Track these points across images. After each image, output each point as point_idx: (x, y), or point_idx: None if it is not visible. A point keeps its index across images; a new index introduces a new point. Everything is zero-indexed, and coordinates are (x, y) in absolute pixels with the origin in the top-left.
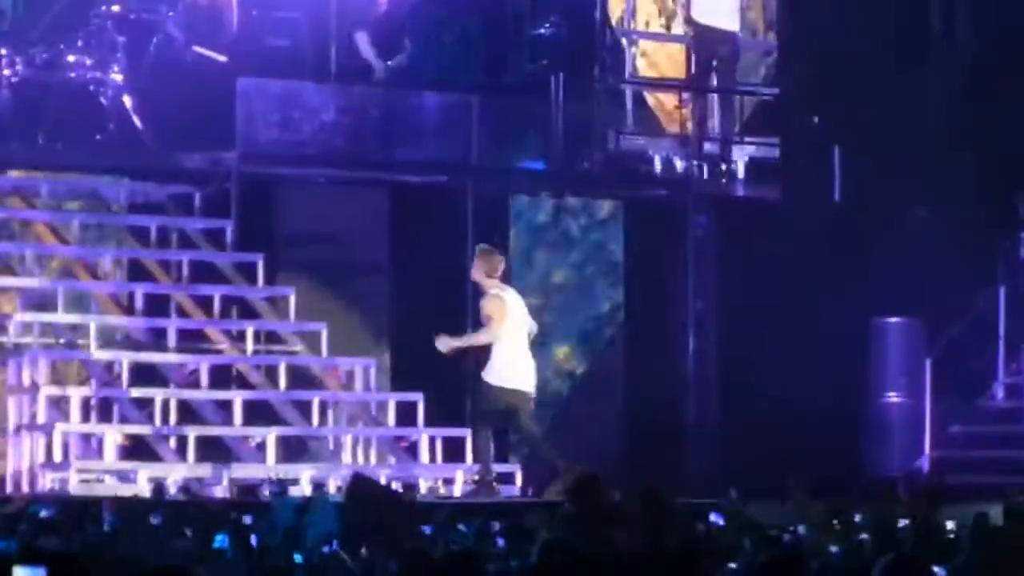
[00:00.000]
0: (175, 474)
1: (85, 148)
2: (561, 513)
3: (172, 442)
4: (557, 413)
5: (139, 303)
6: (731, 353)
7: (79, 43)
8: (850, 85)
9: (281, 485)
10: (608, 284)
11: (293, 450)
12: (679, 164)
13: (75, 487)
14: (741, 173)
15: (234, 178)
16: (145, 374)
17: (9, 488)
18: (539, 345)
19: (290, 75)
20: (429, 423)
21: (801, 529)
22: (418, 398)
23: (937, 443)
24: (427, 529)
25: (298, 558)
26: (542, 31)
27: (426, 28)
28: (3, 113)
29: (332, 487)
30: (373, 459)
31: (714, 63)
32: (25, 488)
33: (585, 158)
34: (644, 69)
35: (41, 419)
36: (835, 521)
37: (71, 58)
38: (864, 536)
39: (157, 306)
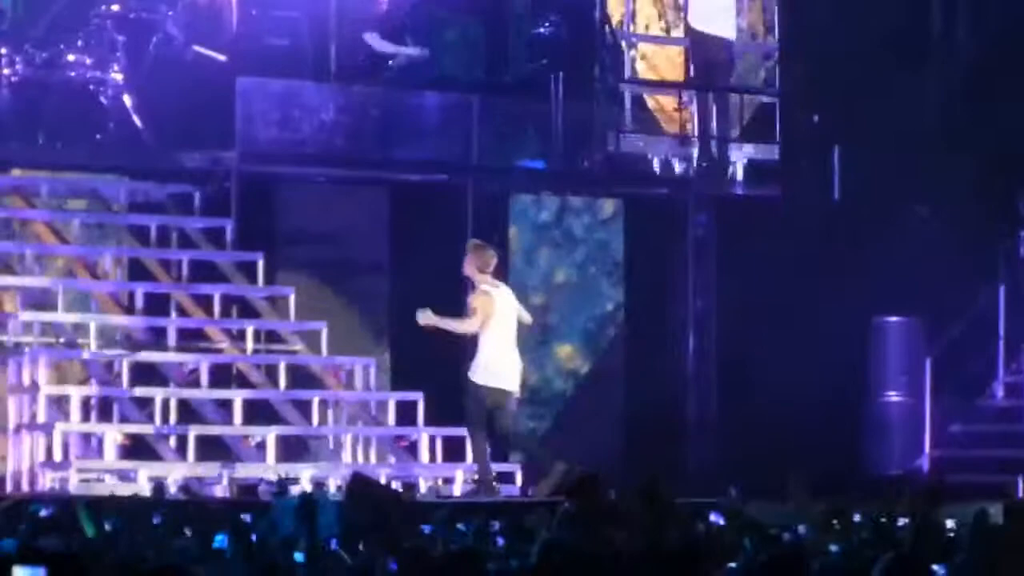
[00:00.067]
0: (175, 473)
1: (85, 147)
2: (561, 513)
3: (172, 441)
4: (560, 412)
5: (139, 302)
6: (731, 352)
7: (79, 43)
8: (850, 85)
9: (281, 485)
10: (611, 284)
11: (293, 449)
12: (678, 166)
13: (75, 487)
14: (740, 175)
15: (234, 177)
16: (145, 373)
17: (9, 488)
18: (541, 344)
19: (290, 74)
20: (429, 422)
21: (801, 529)
22: (418, 397)
23: (937, 442)
24: (427, 528)
25: (298, 558)
26: (542, 31)
27: (426, 27)
28: (3, 113)
29: (332, 486)
30: (373, 458)
31: (712, 68)
32: (25, 487)
33: (585, 158)
34: (643, 72)
35: (41, 418)
36: (835, 521)
37: (71, 58)
38: (864, 535)
39: (157, 305)
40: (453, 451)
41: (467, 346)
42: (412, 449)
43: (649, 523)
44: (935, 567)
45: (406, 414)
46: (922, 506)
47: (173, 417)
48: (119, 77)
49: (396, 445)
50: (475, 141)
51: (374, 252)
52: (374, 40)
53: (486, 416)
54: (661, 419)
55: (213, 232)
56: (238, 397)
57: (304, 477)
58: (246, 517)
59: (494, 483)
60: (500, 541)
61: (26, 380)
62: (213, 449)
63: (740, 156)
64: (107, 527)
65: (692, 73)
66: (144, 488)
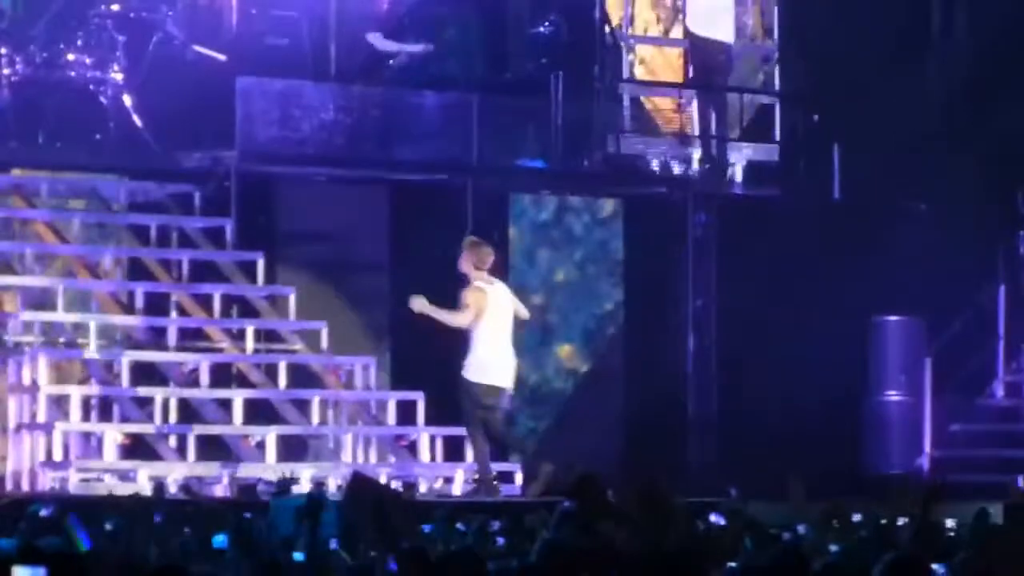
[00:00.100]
0: (175, 473)
1: (85, 147)
2: (561, 513)
3: (172, 441)
4: (560, 412)
5: (139, 302)
6: (731, 352)
7: (79, 42)
8: (850, 85)
9: (281, 485)
10: (610, 283)
11: (293, 449)
12: (676, 167)
13: (75, 486)
14: (740, 176)
15: (234, 177)
16: (145, 373)
17: (9, 487)
18: (541, 344)
19: (290, 74)
20: (429, 422)
21: (801, 528)
22: (418, 397)
23: (937, 441)
24: (427, 528)
25: (298, 557)
26: (542, 30)
27: (426, 27)
28: (3, 112)
29: (332, 486)
30: (373, 458)
31: (710, 71)
32: (25, 487)
33: (585, 157)
34: (642, 76)
35: (41, 418)
36: (835, 520)
37: (71, 57)
38: (864, 535)
39: (157, 305)
40: (453, 451)
41: (466, 345)
42: (412, 449)
43: (648, 525)
44: (935, 567)
45: (406, 414)
46: (922, 506)
47: (173, 417)
48: (119, 77)
49: (396, 445)
50: (475, 141)
51: (374, 252)
52: (377, 40)
53: (480, 414)
54: (661, 419)
55: (213, 232)
56: (238, 397)
57: (304, 477)
58: (246, 517)
59: (494, 482)
60: (500, 541)
61: (26, 380)
62: (213, 449)
63: (740, 157)
64: (107, 527)
65: (692, 74)
66: (144, 488)
